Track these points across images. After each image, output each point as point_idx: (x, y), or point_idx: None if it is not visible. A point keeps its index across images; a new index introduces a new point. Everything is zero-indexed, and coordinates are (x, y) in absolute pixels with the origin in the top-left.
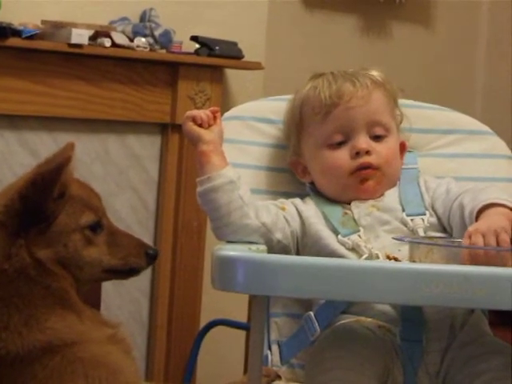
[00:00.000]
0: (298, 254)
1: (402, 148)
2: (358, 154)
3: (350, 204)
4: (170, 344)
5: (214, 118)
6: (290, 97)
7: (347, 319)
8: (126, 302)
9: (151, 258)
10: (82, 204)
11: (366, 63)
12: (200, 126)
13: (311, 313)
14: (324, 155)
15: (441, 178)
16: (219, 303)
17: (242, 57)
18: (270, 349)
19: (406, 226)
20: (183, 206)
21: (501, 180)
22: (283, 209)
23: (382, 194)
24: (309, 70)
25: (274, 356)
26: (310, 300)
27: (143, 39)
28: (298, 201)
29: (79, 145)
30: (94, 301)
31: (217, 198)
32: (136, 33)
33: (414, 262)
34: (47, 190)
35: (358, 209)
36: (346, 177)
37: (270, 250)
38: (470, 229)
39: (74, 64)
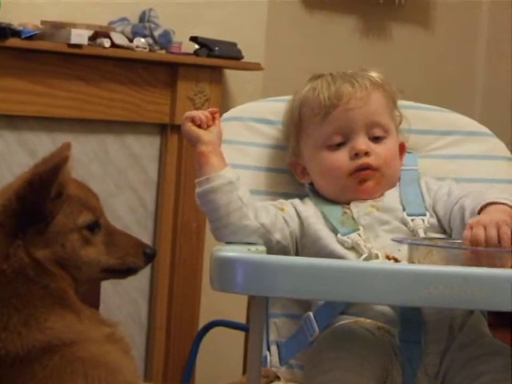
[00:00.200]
0: (297, 254)
1: (402, 149)
2: (357, 155)
3: (349, 204)
4: (169, 345)
5: (213, 118)
6: (289, 98)
7: (346, 320)
8: (124, 302)
9: (149, 257)
10: (79, 204)
11: (365, 64)
12: (199, 126)
13: (310, 313)
14: (323, 156)
15: (442, 179)
16: (218, 304)
17: (242, 57)
18: (268, 349)
19: (406, 226)
20: (182, 207)
21: (501, 181)
22: (282, 209)
23: (382, 194)
24: (308, 71)
25: (272, 357)
26: (309, 301)
27: (142, 40)
28: (297, 201)
29: (78, 145)
30: (93, 301)
31: (216, 199)
32: (135, 33)
33: (413, 263)
34: (44, 189)
35: (358, 208)
36: (345, 178)
37: (269, 251)
38: (472, 220)
39: (73, 64)
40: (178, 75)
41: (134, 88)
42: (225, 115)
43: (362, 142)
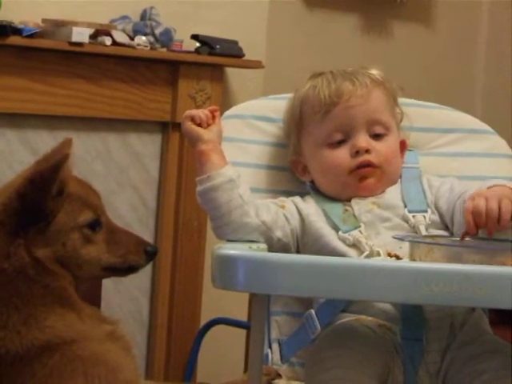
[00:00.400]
0: (298, 252)
1: (403, 146)
2: (357, 152)
3: (350, 201)
4: (170, 343)
5: (213, 117)
6: (290, 95)
7: (347, 318)
8: (126, 300)
9: (150, 254)
10: (80, 202)
11: (366, 62)
12: (199, 125)
13: (312, 311)
14: (324, 154)
15: (443, 177)
16: (219, 302)
17: (243, 55)
18: (270, 347)
19: (408, 223)
20: (183, 205)
21: (502, 179)
22: (283, 207)
23: (383, 191)
24: (309, 69)
25: (274, 354)
26: (311, 298)
27: (144, 38)
28: (297, 199)
29: (80, 143)
30: (94, 300)
31: (217, 196)
32: (136, 31)
33: (414, 260)
34: (45, 188)
35: (359, 205)
36: (346, 175)
37: (271, 249)
38: (474, 193)
39: (74, 62)
40: (179, 73)
41: (135, 86)
42: (226, 113)
43: (362, 140)
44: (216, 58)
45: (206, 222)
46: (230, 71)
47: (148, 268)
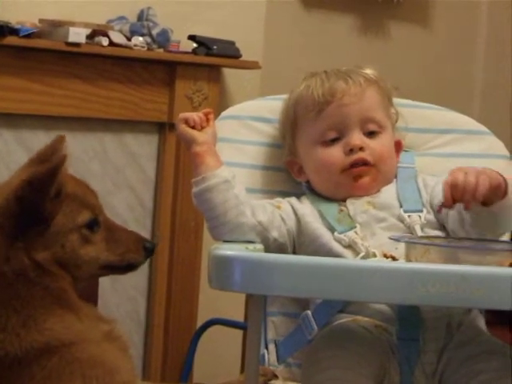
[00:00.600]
0: (294, 252)
1: (398, 146)
2: (351, 150)
3: (345, 201)
4: (167, 343)
5: (207, 119)
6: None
7: (344, 319)
8: (123, 300)
9: (149, 251)
10: (78, 202)
11: (363, 63)
12: (193, 127)
13: (308, 312)
14: (317, 152)
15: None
16: (216, 302)
17: (240, 56)
18: (266, 348)
19: (403, 223)
20: (180, 205)
21: None
22: (279, 207)
23: (378, 191)
24: (306, 70)
25: (270, 355)
26: (307, 299)
27: (141, 38)
28: (293, 200)
29: (76, 143)
30: (91, 299)
31: (212, 197)
32: (133, 32)
33: (410, 261)
34: (44, 190)
35: (354, 205)
36: (339, 173)
37: (267, 249)
38: (454, 168)
39: (71, 63)
40: (176, 74)
41: (132, 86)
42: (223, 114)
43: (356, 138)
44: (213, 59)
45: (202, 223)
46: (227, 72)
47: (145, 268)
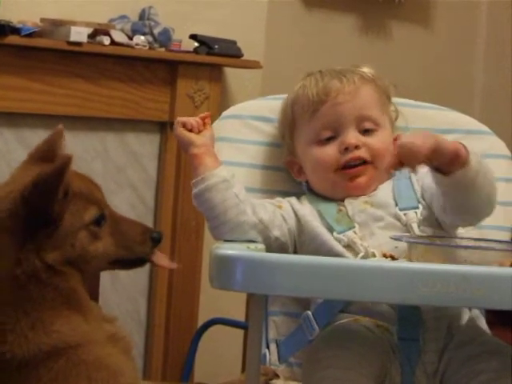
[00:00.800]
0: (295, 251)
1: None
2: (346, 149)
3: (343, 201)
4: (168, 342)
5: (204, 123)
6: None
7: (345, 318)
8: (123, 300)
9: (156, 241)
10: (84, 199)
11: (364, 63)
12: (190, 131)
13: (309, 312)
14: (313, 151)
15: None
16: (217, 302)
17: (241, 55)
18: (268, 347)
19: (400, 221)
20: (182, 205)
21: (499, 180)
22: (280, 207)
23: (375, 189)
24: (307, 70)
25: (272, 355)
26: (308, 299)
27: (142, 37)
28: (293, 200)
29: (78, 143)
30: (92, 299)
31: (212, 197)
32: (135, 31)
33: (411, 261)
34: (52, 192)
35: (352, 205)
36: (333, 172)
37: (268, 248)
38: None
39: (72, 62)
40: (178, 73)
41: (133, 86)
42: (224, 113)
43: (351, 136)
44: (214, 58)
45: (203, 222)
46: (228, 71)
47: (146, 267)
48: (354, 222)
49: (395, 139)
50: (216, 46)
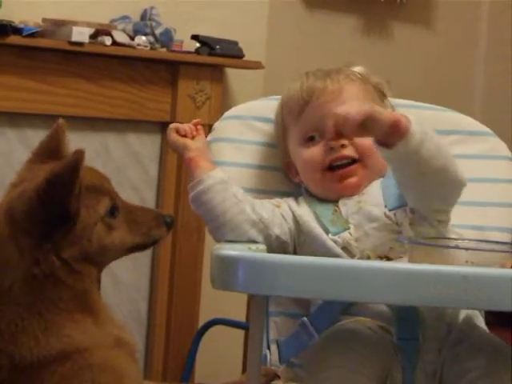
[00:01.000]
0: (295, 251)
1: None
2: (332, 149)
3: (338, 201)
4: (169, 343)
5: (196, 130)
6: None
7: (345, 320)
8: (124, 300)
9: (169, 225)
10: (96, 192)
11: (366, 63)
12: (184, 137)
13: (305, 319)
14: (301, 152)
15: None
16: (218, 302)
17: (243, 56)
18: (268, 348)
19: (391, 221)
20: (182, 205)
21: (502, 181)
22: (278, 206)
23: (368, 186)
24: (309, 70)
25: (272, 355)
26: (309, 300)
27: (144, 38)
28: (291, 201)
29: (79, 143)
30: None
31: (210, 198)
32: (137, 31)
33: (413, 262)
34: (68, 188)
35: (346, 206)
36: (320, 173)
37: (269, 247)
38: None
39: (74, 62)
40: (179, 73)
41: (135, 86)
42: (226, 114)
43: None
44: (216, 59)
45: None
46: (229, 72)
47: (147, 268)
48: (348, 223)
49: None
50: (217, 47)
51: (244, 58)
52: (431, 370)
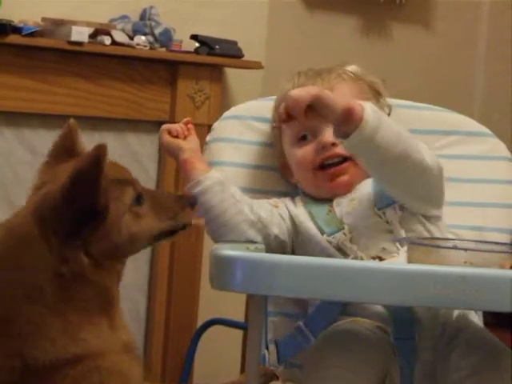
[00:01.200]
0: (293, 251)
1: None
2: (323, 147)
3: (332, 201)
4: (168, 343)
5: (188, 129)
6: None
7: (343, 320)
8: (123, 300)
9: (193, 206)
10: (119, 183)
11: (365, 64)
12: (176, 137)
13: (301, 323)
14: (294, 153)
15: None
16: (217, 302)
17: (242, 56)
18: (267, 348)
19: (382, 219)
20: None
21: (501, 182)
22: (276, 206)
23: (360, 183)
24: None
25: (271, 355)
26: (307, 300)
27: (143, 37)
28: (287, 201)
29: None
30: None
31: (208, 199)
32: (136, 31)
33: (412, 262)
34: (93, 184)
35: (340, 206)
36: (312, 172)
37: (268, 246)
38: None
39: (73, 62)
40: (179, 73)
41: (134, 86)
42: (225, 114)
43: (328, 135)
44: (215, 59)
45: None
46: (229, 71)
47: (145, 267)
48: (343, 223)
49: None
50: (217, 47)
51: (243, 58)
52: (428, 369)
